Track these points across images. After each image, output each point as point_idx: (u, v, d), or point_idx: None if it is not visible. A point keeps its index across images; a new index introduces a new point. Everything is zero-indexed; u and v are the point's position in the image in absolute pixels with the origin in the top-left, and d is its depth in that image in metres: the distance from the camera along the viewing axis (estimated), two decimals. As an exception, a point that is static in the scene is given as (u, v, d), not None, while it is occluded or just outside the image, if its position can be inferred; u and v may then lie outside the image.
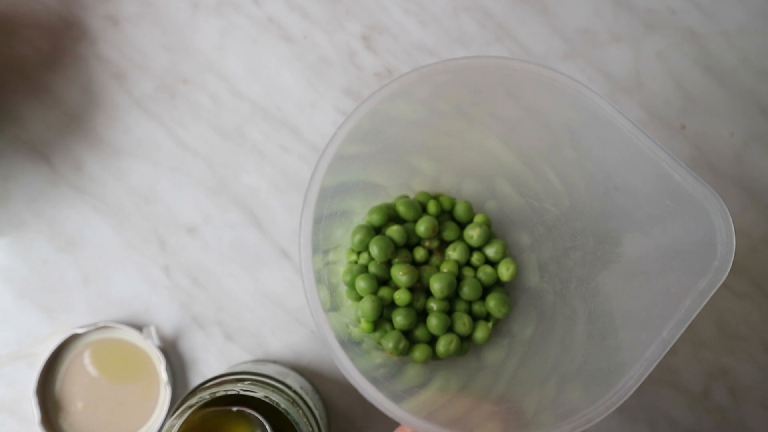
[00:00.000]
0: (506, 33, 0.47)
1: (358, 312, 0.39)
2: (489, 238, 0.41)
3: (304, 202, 0.32)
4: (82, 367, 0.43)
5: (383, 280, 0.39)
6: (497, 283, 0.41)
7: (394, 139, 0.39)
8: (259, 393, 0.34)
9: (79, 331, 0.42)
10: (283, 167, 0.45)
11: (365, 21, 0.46)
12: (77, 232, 0.44)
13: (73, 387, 0.43)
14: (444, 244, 0.41)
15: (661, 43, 0.47)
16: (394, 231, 0.39)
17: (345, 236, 0.41)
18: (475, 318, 0.40)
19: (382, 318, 0.39)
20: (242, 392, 0.34)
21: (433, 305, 0.39)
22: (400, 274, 0.38)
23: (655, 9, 0.47)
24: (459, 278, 0.40)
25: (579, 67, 0.47)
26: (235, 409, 0.34)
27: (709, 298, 0.31)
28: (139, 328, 0.43)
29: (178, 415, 0.33)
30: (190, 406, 0.34)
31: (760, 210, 0.46)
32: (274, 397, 0.34)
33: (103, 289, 0.44)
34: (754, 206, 0.46)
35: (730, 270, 0.45)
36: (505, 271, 0.40)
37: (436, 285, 0.39)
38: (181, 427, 0.34)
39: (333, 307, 0.40)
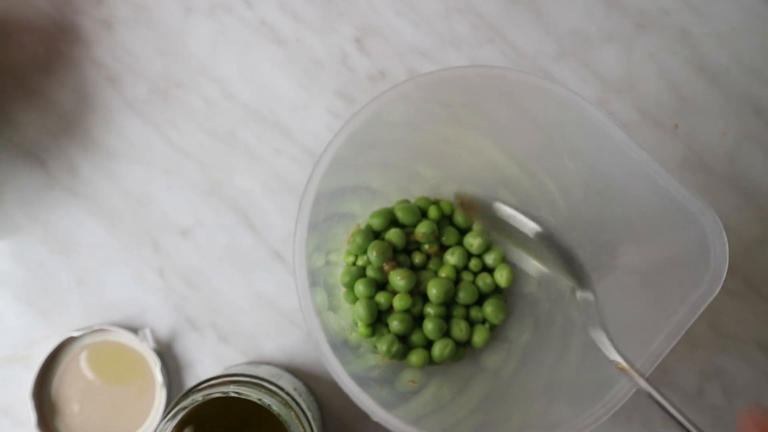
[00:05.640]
0: (498, 34, 0.47)
1: (354, 315, 0.39)
2: (488, 245, 0.41)
3: (300, 208, 0.32)
4: (78, 369, 0.43)
5: (381, 284, 0.40)
6: (495, 290, 0.41)
7: (393, 146, 0.39)
8: (252, 395, 0.34)
9: (75, 333, 0.42)
10: (276, 169, 0.45)
11: (357, 23, 0.47)
12: (72, 235, 0.45)
13: (69, 389, 0.43)
14: (443, 249, 0.41)
15: (654, 44, 0.47)
16: (393, 235, 0.39)
17: (345, 238, 0.41)
18: (472, 324, 0.40)
19: (379, 322, 0.39)
20: (234, 394, 0.34)
21: (430, 310, 0.39)
22: (398, 278, 0.39)
23: (647, 9, 0.47)
24: (456, 282, 0.40)
25: (571, 68, 0.47)
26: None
27: (700, 312, 0.31)
28: (134, 330, 0.43)
29: (170, 417, 0.34)
30: (183, 408, 0.34)
31: (754, 210, 0.46)
32: (267, 399, 0.34)
33: (98, 291, 0.44)
34: (747, 206, 0.46)
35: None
36: (500, 277, 0.40)
37: (434, 290, 0.39)
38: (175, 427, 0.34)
39: (331, 309, 0.40)
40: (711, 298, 0.31)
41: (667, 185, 0.32)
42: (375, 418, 0.31)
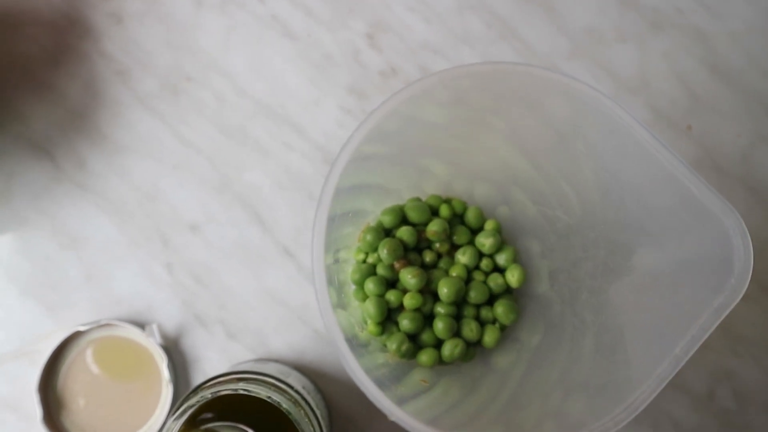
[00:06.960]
0: (511, 32, 0.47)
1: (364, 313, 0.39)
2: (500, 245, 0.40)
3: (319, 203, 0.32)
4: (84, 364, 0.43)
5: (391, 282, 0.39)
6: (506, 290, 0.40)
7: (408, 142, 0.38)
8: (261, 392, 0.34)
9: (82, 328, 0.42)
10: (287, 165, 0.45)
11: (369, 19, 0.46)
12: (80, 229, 0.44)
13: (75, 384, 0.43)
14: (454, 248, 0.40)
15: (668, 43, 0.47)
16: (404, 232, 0.39)
17: (355, 235, 0.40)
18: (483, 324, 0.40)
19: (389, 320, 0.39)
20: (243, 392, 0.34)
21: (441, 309, 0.39)
22: (409, 276, 0.38)
23: (661, 8, 0.47)
24: (467, 282, 0.40)
25: (584, 67, 0.46)
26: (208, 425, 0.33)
27: (724, 316, 0.31)
28: (141, 325, 0.43)
29: (178, 415, 0.33)
30: (191, 406, 0.34)
31: (766, 211, 0.45)
32: (276, 397, 0.34)
33: (106, 286, 0.44)
34: (759, 207, 0.46)
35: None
36: (511, 278, 0.39)
37: (445, 289, 0.38)
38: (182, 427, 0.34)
39: (340, 306, 0.40)
40: (736, 302, 0.31)
41: (689, 185, 0.31)
42: (392, 418, 0.31)
